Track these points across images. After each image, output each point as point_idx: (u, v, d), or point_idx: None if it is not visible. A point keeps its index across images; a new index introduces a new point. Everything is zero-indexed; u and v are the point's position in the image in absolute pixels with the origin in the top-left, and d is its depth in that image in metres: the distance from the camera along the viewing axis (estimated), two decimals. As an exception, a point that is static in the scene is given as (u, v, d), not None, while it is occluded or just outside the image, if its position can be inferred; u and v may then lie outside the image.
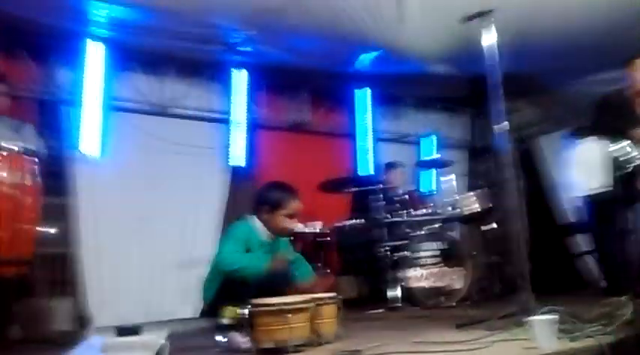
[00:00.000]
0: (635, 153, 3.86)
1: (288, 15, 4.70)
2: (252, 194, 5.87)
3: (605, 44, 5.40)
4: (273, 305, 2.48)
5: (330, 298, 2.76)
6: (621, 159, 3.89)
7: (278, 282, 3.12)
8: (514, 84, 7.54)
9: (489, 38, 3.18)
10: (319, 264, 4.66)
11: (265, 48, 5.46)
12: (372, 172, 6.00)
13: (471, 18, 3.15)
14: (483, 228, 5.09)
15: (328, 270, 4.70)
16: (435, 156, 5.95)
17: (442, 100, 7.48)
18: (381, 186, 4.67)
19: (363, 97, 6.63)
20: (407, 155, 6.65)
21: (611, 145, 3.95)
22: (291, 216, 3.35)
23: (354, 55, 5.77)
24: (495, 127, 3.27)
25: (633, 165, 3.85)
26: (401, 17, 4.82)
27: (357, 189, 4.84)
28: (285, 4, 4.54)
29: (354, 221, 4.87)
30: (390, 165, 5.74)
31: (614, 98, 4.14)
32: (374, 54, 5.76)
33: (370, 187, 4.70)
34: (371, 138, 6.53)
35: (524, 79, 7.30)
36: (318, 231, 4.82)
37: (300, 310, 2.47)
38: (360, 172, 6.11)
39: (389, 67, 6.24)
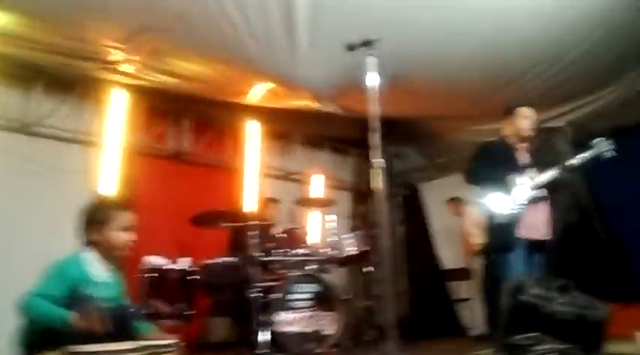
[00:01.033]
0: (512, 201, 3.87)
1: (172, 35, 4.41)
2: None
3: (491, 94, 5.57)
4: (87, 353, 2.08)
5: (166, 345, 2.39)
6: (499, 208, 3.89)
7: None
8: (400, 129, 7.76)
9: (374, 76, 3.06)
10: (180, 304, 4.26)
11: (147, 68, 5.11)
12: (254, 208, 5.74)
13: (354, 47, 3.03)
14: (360, 271, 4.96)
15: (193, 312, 4.31)
16: (318, 195, 5.80)
17: (332, 140, 7.43)
18: (257, 222, 4.39)
19: (251, 130, 6.41)
20: (292, 192, 6.45)
21: (488, 195, 3.95)
22: (126, 229, 2.85)
23: (244, 84, 5.56)
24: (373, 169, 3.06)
25: (510, 213, 3.85)
26: (291, 48, 4.68)
27: (230, 224, 4.53)
28: (168, 24, 4.25)
29: (225, 258, 4.54)
30: (268, 202, 5.52)
31: (493, 145, 4.18)
32: (265, 85, 5.59)
33: (245, 223, 4.41)
34: (256, 172, 6.30)
35: (410, 124, 7.45)
36: (186, 268, 4.44)
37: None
38: (243, 208, 5.83)
39: (279, 101, 6.09)
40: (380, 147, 3.03)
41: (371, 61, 3.01)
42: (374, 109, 3.05)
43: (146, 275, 4.38)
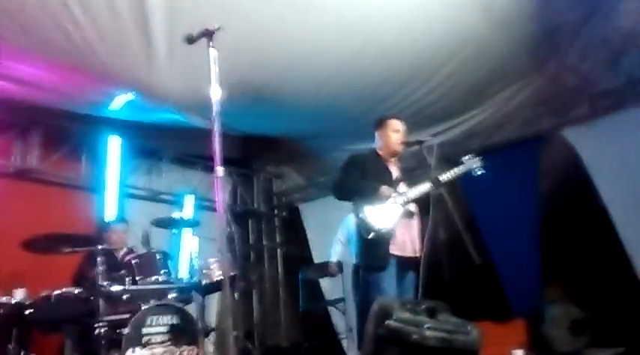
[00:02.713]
0: (382, 217, 3.62)
1: (3, 33, 3.80)
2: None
3: (365, 112, 5.41)
4: None
5: None
6: (368, 223, 3.62)
7: None
8: (278, 148, 7.49)
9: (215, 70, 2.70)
10: (10, 345, 3.62)
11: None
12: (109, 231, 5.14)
13: (193, 39, 2.65)
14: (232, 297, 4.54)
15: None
16: (186, 216, 5.31)
17: (205, 158, 6.96)
18: (101, 247, 3.84)
19: (110, 146, 5.81)
20: (159, 214, 5.90)
21: (360, 209, 3.68)
22: None
23: (99, 94, 5.00)
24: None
25: (381, 229, 3.59)
26: (148, 55, 4.22)
27: (72, 250, 3.94)
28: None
29: (66, 290, 3.94)
30: (112, 223, 4.97)
31: (363, 158, 3.95)
32: (125, 96, 5.07)
33: (89, 248, 3.85)
34: (116, 192, 5.70)
35: (288, 143, 7.20)
36: (19, 302, 3.81)
37: None
38: (97, 231, 5.22)
39: (143, 115, 5.58)
40: (221, 155, 2.68)
41: (213, 53, 2.65)
42: (215, 107, 2.69)
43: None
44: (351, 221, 4.59)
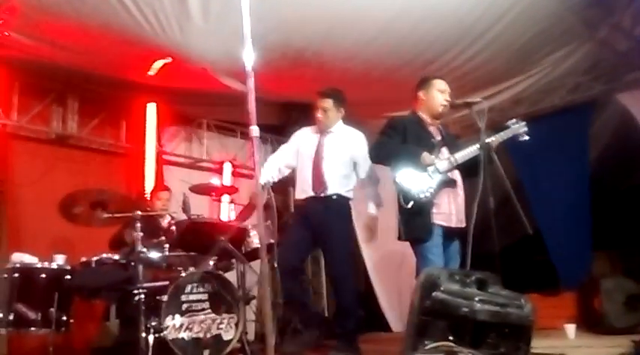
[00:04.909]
0: (425, 183, 3.41)
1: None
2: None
3: (410, 76, 5.16)
4: None
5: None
6: (406, 190, 3.42)
7: None
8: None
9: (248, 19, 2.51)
10: (52, 309, 3.64)
11: (16, 36, 4.37)
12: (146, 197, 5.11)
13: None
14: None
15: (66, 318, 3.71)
16: (225, 184, 5.22)
17: (243, 125, 6.85)
18: (140, 213, 3.77)
19: (149, 112, 5.75)
20: (198, 181, 5.86)
21: (399, 174, 3.47)
22: None
23: (132, 57, 4.90)
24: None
25: (423, 196, 3.40)
26: (181, 13, 4.10)
27: (110, 214, 3.87)
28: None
29: (105, 255, 3.92)
30: (160, 189, 4.92)
31: (403, 121, 3.73)
32: (161, 60, 4.98)
33: (127, 214, 3.79)
34: (154, 159, 5.67)
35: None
36: (59, 267, 3.81)
37: None
38: (135, 197, 5.19)
39: (180, 80, 5.49)
40: (254, 111, 2.51)
41: (245, 3, 2.46)
42: (250, 60, 2.52)
43: (11, 275, 3.75)
44: None
